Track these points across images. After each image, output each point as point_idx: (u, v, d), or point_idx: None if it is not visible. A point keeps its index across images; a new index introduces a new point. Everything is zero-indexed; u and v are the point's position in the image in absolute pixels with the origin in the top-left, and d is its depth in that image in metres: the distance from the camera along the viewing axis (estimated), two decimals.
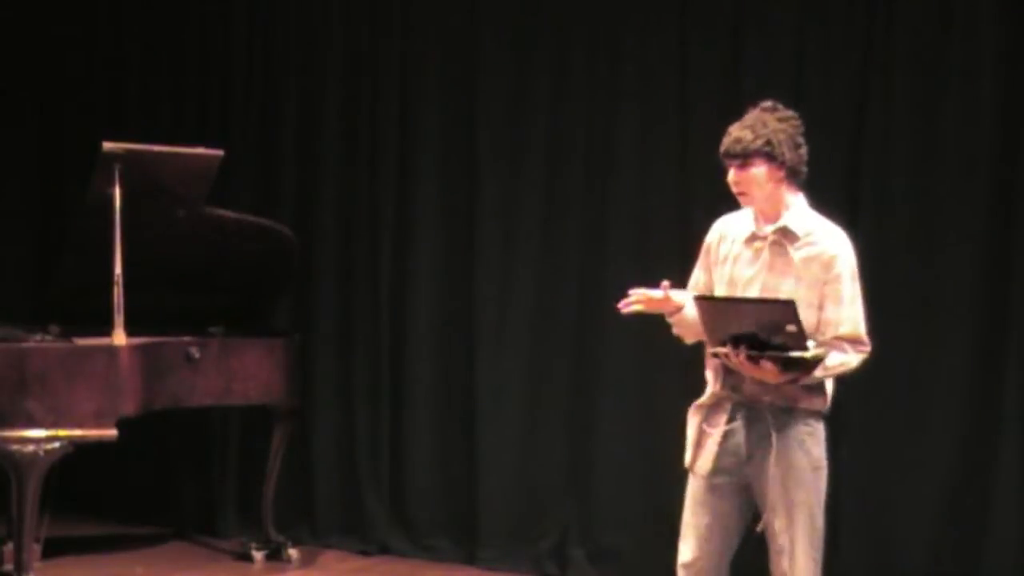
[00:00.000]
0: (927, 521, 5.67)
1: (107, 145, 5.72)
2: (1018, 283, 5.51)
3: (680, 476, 6.12)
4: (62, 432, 5.50)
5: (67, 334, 5.91)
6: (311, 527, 6.91)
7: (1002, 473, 5.53)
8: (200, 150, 6.05)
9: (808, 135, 5.79)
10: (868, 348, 4.11)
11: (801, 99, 5.86)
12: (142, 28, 7.50)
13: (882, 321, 5.71)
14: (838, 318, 4.06)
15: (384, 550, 6.75)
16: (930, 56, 5.66)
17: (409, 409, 6.76)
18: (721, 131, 5.97)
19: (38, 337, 5.82)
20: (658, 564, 6.17)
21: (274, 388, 6.40)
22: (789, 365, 3.94)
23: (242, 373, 6.25)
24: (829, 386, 4.16)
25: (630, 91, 6.25)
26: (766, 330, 3.93)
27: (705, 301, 4.09)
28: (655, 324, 6.15)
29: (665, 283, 4.19)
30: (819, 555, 4.16)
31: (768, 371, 3.96)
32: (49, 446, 5.48)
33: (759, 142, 4.08)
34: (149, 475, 7.34)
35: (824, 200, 5.78)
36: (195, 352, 6.05)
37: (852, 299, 4.08)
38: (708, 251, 4.32)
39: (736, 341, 3.97)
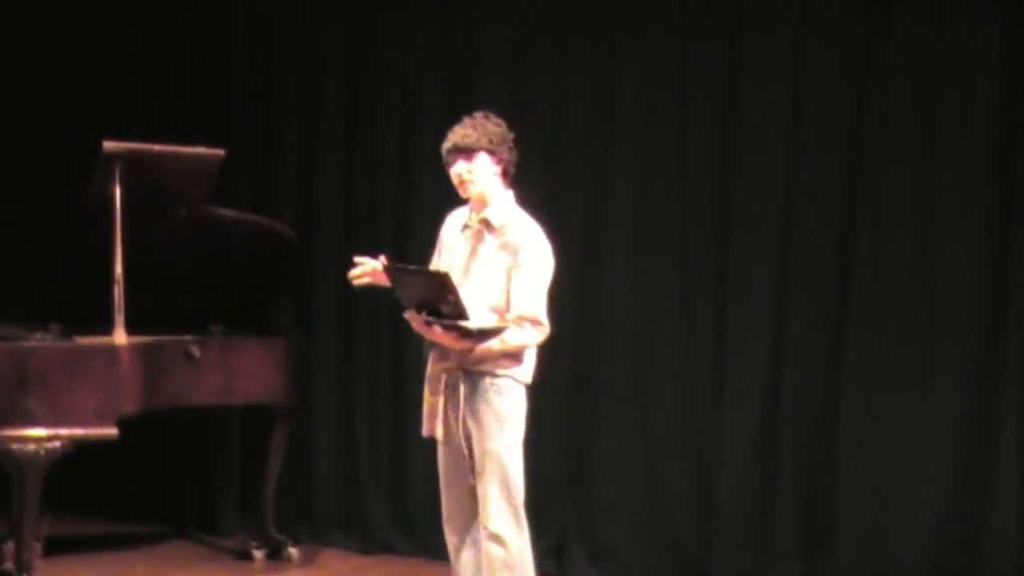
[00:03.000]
0: (927, 521, 5.68)
1: (108, 145, 5.72)
2: (1018, 283, 5.52)
3: (681, 475, 6.21)
4: (63, 431, 5.50)
5: (68, 333, 5.91)
6: (311, 526, 6.92)
7: (1002, 473, 5.54)
8: (201, 150, 6.04)
9: (808, 135, 5.90)
10: (546, 328, 4.59)
11: (801, 99, 5.91)
12: (142, 28, 7.50)
13: (882, 321, 5.78)
14: (519, 300, 4.56)
15: (384, 549, 6.76)
16: (929, 56, 5.67)
17: (409, 408, 6.75)
18: (722, 131, 6.08)
19: (39, 336, 5.83)
20: (658, 563, 6.22)
21: (274, 387, 6.40)
22: (467, 334, 4.44)
23: (242, 372, 6.25)
24: (530, 357, 4.67)
25: (630, 91, 6.25)
26: (433, 299, 4.45)
27: (388, 269, 4.63)
28: (655, 324, 6.22)
29: (382, 257, 4.68)
30: (516, 500, 4.71)
31: (443, 336, 4.49)
32: (50, 445, 5.48)
33: (484, 140, 4.65)
34: (150, 474, 7.34)
35: (824, 199, 5.87)
36: (196, 351, 6.05)
37: (532, 284, 4.57)
38: (439, 240, 4.90)
39: (420, 308, 4.48)
